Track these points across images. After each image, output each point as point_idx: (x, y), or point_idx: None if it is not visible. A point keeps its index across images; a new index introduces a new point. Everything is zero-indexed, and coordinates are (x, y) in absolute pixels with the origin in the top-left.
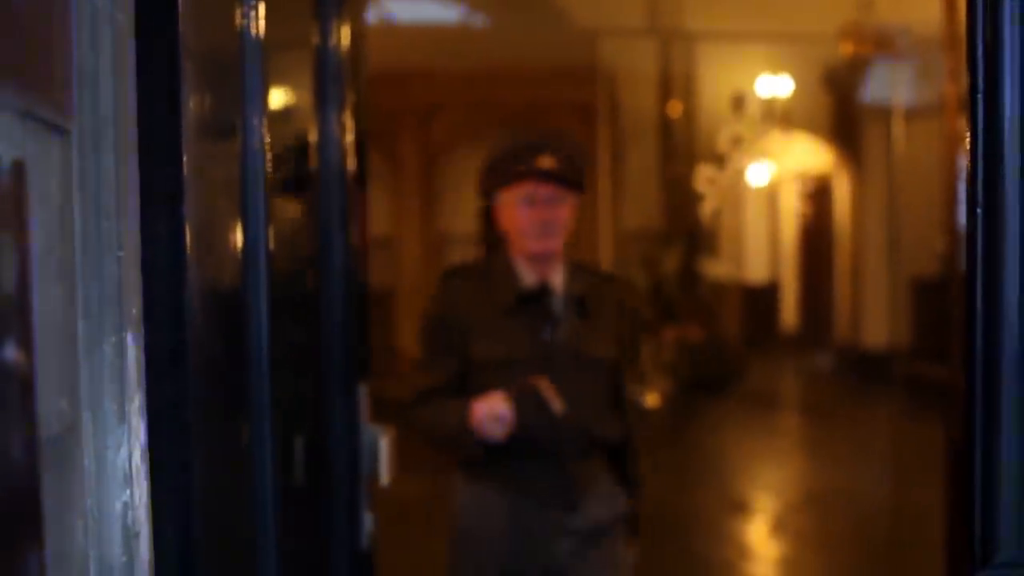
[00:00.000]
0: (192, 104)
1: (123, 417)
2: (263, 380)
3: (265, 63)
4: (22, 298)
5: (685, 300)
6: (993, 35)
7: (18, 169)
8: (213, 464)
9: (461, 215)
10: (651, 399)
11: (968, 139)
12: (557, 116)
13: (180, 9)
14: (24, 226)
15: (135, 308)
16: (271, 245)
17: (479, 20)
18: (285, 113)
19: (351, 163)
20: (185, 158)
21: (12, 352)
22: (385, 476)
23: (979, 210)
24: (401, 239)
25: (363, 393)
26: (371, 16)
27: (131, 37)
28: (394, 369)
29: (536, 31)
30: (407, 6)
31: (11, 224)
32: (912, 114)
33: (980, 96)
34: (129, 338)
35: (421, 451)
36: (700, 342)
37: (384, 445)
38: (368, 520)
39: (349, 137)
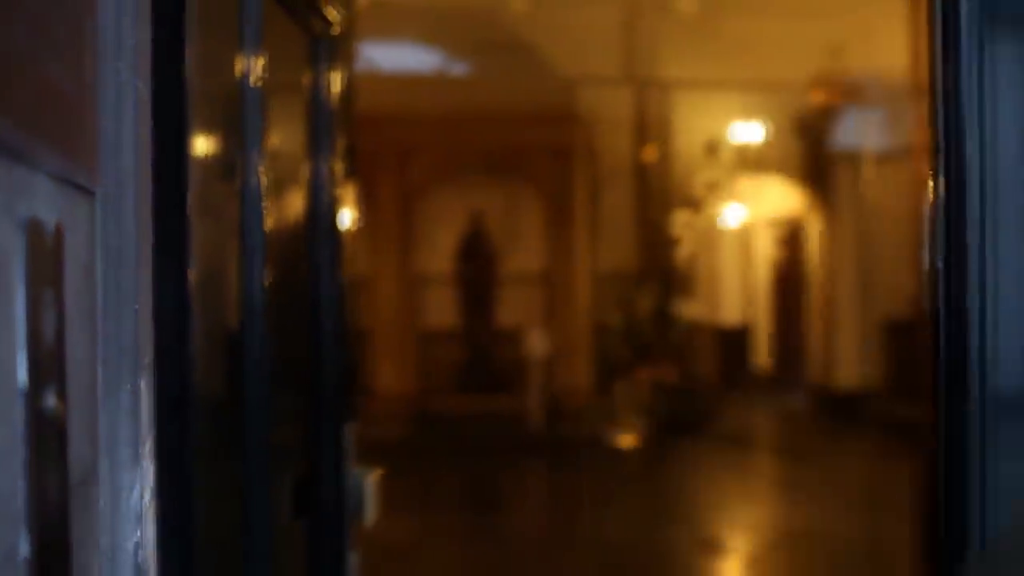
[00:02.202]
0: (197, 156)
1: (137, 460)
2: (259, 421)
3: (264, 113)
4: (59, 350)
5: (660, 341)
6: (953, 95)
7: (59, 232)
8: (213, 504)
9: (437, 255)
10: (626, 439)
11: (931, 193)
12: (533, 159)
13: (188, 69)
14: (61, 283)
15: (148, 356)
16: (267, 288)
17: (459, 68)
18: (281, 159)
19: (341, 206)
20: (190, 210)
21: (52, 401)
22: (370, 516)
23: (940, 262)
24: (378, 279)
25: (350, 435)
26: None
27: (148, 101)
28: (370, 410)
29: (514, 78)
30: (387, 53)
31: (52, 282)
32: (882, 159)
33: (942, 154)
34: (143, 385)
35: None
36: (674, 383)
37: (369, 486)
38: (353, 559)
39: (339, 181)
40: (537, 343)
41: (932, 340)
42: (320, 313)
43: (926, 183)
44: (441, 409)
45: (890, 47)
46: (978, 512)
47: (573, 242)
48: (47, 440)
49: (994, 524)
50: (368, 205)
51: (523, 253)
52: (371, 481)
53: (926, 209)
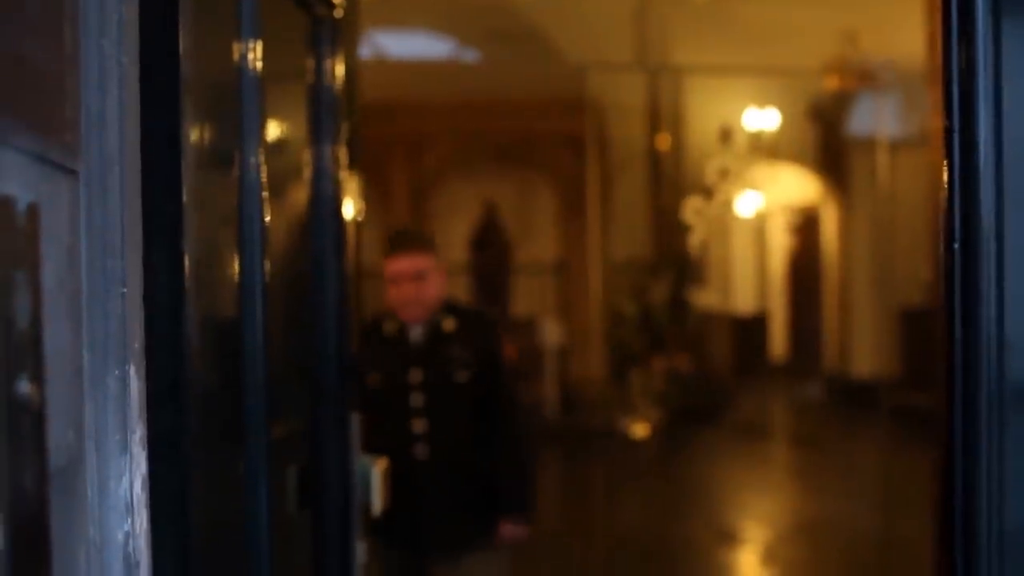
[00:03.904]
0: (192, 139)
1: (125, 448)
2: (259, 410)
3: (262, 98)
4: (34, 334)
5: (674, 330)
6: (968, 77)
7: (33, 211)
8: (210, 494)
9: (451, 245)
10: (641, 428)
11: (944, 176)
12: (546, 147)
13: (182, 50)
14: (37, 265)
15: (137, 342)
16: (267, 277)
17: (470, 55)
18: (281, 145)
19: (344, 194)
20: (185, 194)
21: (25, 386)
22: (377, 506)
23: (956, 246)
24: None
25: (356, 423)
26: (364, 51)
27: (136, 79)
28: None
29: (526, 66)
30: (399, 41)
31: (26, 264)
32: (898, 145)
33: (955, 136)
34: (132, 371)
35: None
36: (689, 372)
37: (376, 475)
38: (360, 549)
39: (343, 169)
40: (551, 332)
41: (946, 326)
42: (323, 301)
43: (942, 169)
44: None
45: (906, 32)
46: (992, 501)
47: (586, 231)
48: (20, 427)
49: (1009, 514)
50: (381, 196)
51: (537, 242)
52: (378, 470)
53: (941, 194)
